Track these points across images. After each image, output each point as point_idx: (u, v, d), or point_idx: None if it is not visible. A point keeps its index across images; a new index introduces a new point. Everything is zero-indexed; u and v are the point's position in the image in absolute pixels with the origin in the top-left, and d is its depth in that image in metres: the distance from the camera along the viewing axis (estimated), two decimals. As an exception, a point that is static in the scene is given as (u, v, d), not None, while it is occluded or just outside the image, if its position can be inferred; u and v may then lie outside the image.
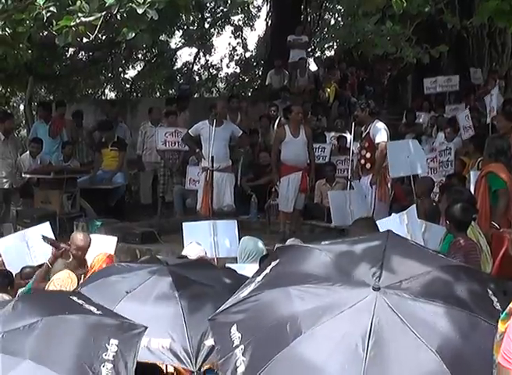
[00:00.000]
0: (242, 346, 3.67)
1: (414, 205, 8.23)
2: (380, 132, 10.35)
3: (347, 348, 3.47)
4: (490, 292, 3.84)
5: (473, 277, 4.01)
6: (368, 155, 10.40)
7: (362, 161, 10.60)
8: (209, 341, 4.73)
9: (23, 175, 12.87)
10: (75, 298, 4.34)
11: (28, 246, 8.39)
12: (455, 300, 3.68)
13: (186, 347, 4.73)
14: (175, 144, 13.05)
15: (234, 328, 3.78)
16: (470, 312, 3.61)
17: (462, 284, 3.83)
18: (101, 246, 7.77)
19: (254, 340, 3.70)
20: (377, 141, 10.31)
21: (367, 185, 10.52)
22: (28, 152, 13.47)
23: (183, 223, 9.03)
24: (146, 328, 4.11)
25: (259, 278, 4.08)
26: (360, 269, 3.86)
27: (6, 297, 6.16)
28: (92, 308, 4.18)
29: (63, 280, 6.62)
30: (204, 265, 6.44)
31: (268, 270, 4.11)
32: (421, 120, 16.34)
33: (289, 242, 7.23)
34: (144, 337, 4.29)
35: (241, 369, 3.64)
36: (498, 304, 3.71)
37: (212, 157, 11.15)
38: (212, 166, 11.19)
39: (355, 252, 4.07)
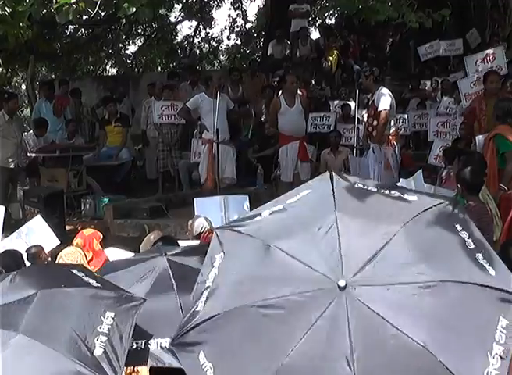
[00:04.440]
0: None
1: (421, 170, 8.21)
2: (382, 99, 10.27)
3: (334, 371, 3.08)
4: (459, 227, 3.44)
5: (439, 216, 3.51)
6: (375, 122, 10.32)
7: (369, 128, 10.55)
8: None
9: (29, 154, 12.88)
10: (75, 271, 4.23)
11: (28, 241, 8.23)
12: (429, 266, 3.25)
13: None
14: (171, 117, 13.04)
15: (202, 356, 3.39)
16: (448, 277, 3.20)
17: (431, 236, 3.39)
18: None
19: (230, 373, 3.33)
20: (379, 108, 10.26)
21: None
22: (32, 131, 13.47)
23: (195, 199, 8.99)
24: (144, 300, 3.95)
25: (209, 282, 3.62)
26: (317, 256, 3.34)
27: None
28: (91, 281, 4.07)
29: (72, 254, 6.60)
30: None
31: (216, 269, 3.64)
32: (426, 88, 16.30)
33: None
34: (140, 340, 4.07)
35: None
36: (470, 240, 3.36)
37: (217, 129, 11.12)
38: (218, 139, 11.17)
39: (305, 231, 3.50)
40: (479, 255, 3.31)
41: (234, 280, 3.54)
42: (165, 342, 4.19)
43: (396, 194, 3.65)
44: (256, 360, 3.26)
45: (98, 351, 3.63)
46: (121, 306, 3.89)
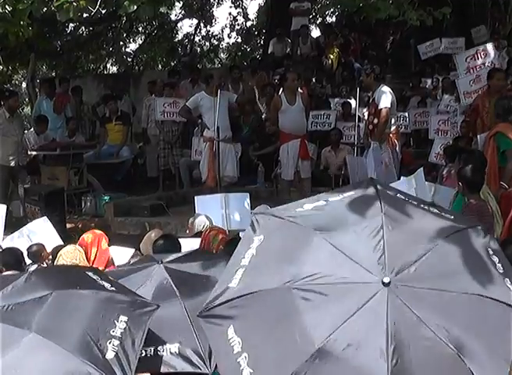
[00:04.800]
0: (245, 354, 3.34)
1: (422, 168, 8.19)
2: (383, 97, 10.30)
3: (367, 361, 3.17)
4: (491, 251, 3.63)
5: (475, 237, 3.71)
6: (376, 120, 10.35)
7: (370, 126, 10.56)
8: None
9: (29, 152, 12.88)
10: (90, 274, 4.26)
11: (31, 241, 8.18)
12: (465, 278, 3.43)
13: (196, 349, 4.20)
14: (173, 114, 13.03)
15: (231, 331, 3.44)
16: (481, 292, 3.38)
17: (467, 253, 3.57)
18: (117, 257, 7.48)
19: (258, 349, 3.37)
20: (379, 106, 10.28)
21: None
22: (32, 129, 13.46)
23: (195, 197, 8.99)
24: (158, 306, 4.01)
25: (245, 261, 3.64)
26: (362, 252, 3.45)
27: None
28: (106, 284, 4.10)
29: (71, 252, 6.59)
30: (200, 254, 5.79)
31: (253, 250, 3.66)
32: (426, 86, 16.29)
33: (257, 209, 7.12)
34: (149, 347, 4.11)
35: None
36: (500, 265, 3.55)
37: (218, 127, 11.11)
38: (218, 137, 11.16)
39: (349, 228, 3.60)
40: (507, 280, 3.47)
41: (275, 261, 3.60)
42: (175, 347, 4.22)
43: (434, 210, 3.79)
44: (290, 341, 3.31)
45: (110, 355, 3.66)
46: (135, 311, 3.93)
